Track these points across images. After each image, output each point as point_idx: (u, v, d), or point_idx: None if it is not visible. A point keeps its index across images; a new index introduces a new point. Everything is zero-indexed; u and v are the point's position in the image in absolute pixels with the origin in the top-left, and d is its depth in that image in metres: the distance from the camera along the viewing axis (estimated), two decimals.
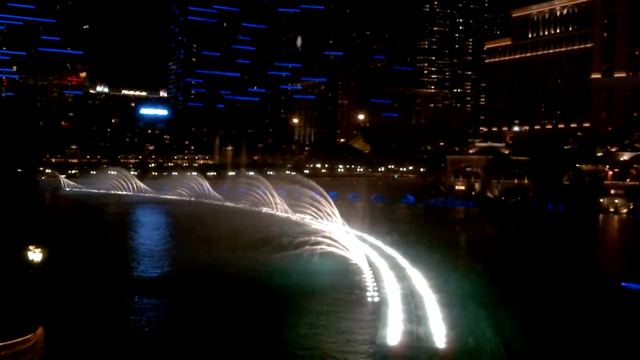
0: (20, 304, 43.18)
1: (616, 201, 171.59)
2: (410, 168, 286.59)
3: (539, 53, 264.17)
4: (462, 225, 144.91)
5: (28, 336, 38.39)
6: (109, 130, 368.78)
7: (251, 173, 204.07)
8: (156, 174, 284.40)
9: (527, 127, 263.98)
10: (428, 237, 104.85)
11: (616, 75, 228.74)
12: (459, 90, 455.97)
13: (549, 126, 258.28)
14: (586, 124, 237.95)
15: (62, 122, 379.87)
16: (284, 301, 59.96)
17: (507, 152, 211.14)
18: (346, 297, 61.82)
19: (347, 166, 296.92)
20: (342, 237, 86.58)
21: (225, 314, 56.56)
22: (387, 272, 68.98)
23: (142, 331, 51.20)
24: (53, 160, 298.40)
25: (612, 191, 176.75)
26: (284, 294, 62.80)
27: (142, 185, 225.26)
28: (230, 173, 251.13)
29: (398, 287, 61.54)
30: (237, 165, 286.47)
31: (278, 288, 65.46)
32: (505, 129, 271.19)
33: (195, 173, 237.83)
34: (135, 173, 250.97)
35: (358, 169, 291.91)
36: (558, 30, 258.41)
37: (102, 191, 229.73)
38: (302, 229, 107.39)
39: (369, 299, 59.96)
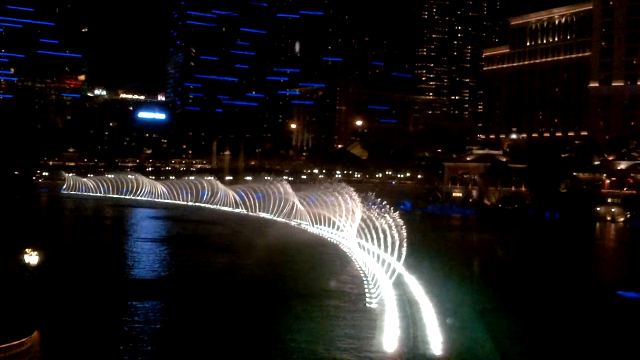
0: (16, 307, 43.00)
1: (613, 210, 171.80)
2: (408, 175, 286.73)
3: (537, 61, 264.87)
4: (460, 232, 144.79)
5: (23, 339, 38.23)
6: (106, 133, 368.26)
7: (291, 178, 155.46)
8: (152, 177, 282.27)
9: (524, 135, 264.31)
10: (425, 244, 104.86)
11: (614, 84, 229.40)
12: (457, 97, 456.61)
13: (547, 134, 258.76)
14: (584, 133, 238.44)
15: (60, 125, 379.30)
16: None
17: (504, 159, 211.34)
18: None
19: (345, 172, 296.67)
20: None
21: (223, 316, 56.48)
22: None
23: (139, 335, 50.99)
24: (50, 163, 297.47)
25: (609, 200, 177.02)
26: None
27: (161, 188, 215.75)
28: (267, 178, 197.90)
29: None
30: (235, 170, 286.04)
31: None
32: (502, 136, 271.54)
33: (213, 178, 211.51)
34: (134, 176, 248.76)
35: (355, 175, 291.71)
36: (556, 39, 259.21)
37: (114, 195, 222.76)
38: None
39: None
